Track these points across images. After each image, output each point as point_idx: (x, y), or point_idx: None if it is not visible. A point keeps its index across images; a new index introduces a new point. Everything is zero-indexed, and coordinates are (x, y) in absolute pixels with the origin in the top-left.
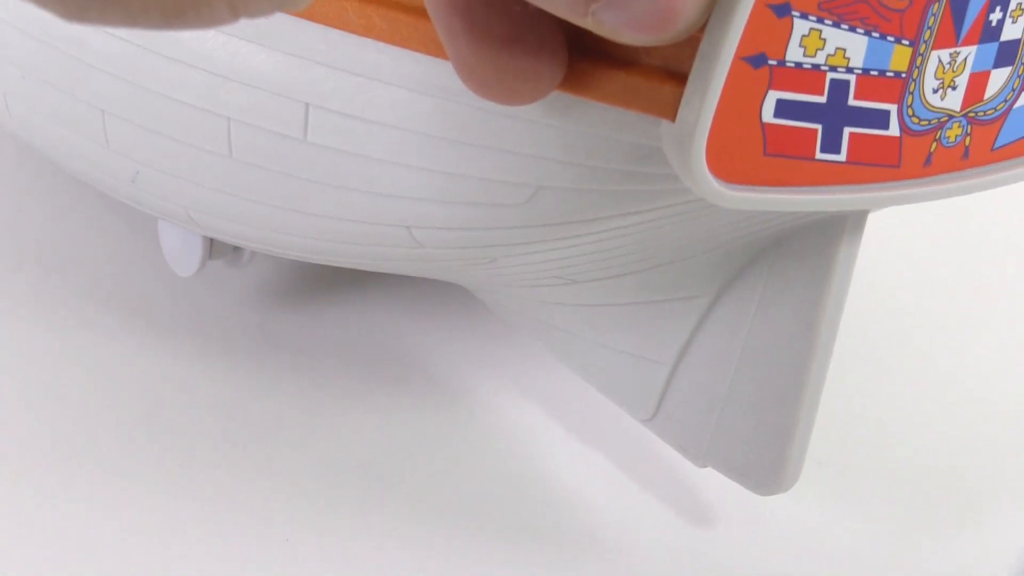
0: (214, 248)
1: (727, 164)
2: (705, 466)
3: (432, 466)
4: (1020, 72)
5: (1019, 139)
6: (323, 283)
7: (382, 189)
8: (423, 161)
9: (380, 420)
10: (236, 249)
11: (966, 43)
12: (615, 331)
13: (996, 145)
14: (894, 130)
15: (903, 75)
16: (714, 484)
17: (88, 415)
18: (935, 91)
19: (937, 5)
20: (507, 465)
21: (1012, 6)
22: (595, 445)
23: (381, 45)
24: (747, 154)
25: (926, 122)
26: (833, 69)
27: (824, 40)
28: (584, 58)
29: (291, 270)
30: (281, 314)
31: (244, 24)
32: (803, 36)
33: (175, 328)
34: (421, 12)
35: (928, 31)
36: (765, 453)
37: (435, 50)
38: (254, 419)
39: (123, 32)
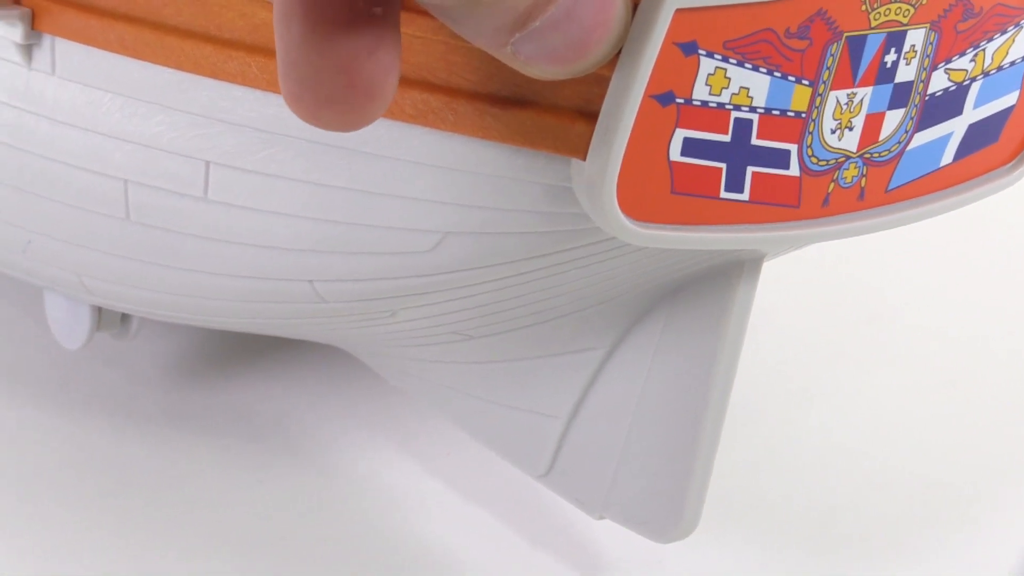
0: (102, 319)
1: (636, 202)
2: (602, 518)
3: (312, 530)
4: (912, 114)
5: (911, 181)
6: (213, 354)
7: (285, 243)
8: (327, 213)
9: (260, 484)
10: (124, 320)
11: (863, 84)
12: (508, 388)
13: (890, 187)
14: (794, 170)
15: (803, 115)
16: (611, 535)
17: None
18: (833, 131)
19: (836, 45)
20: (388, 528)
21: (906, 48)
22: (480, 503)
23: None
24: (655, 192)
25: (824, 162)
26: (737, 108)
27: (729, 79)
28: (494, 101)
29: (181, 341)
30: (168, 384)
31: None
32: (709, 75)
33: (64, 402)
34: None
35: (827, 71)
36: (664, 500)
37: None
38: (142, 488)
39: (15, 100)
